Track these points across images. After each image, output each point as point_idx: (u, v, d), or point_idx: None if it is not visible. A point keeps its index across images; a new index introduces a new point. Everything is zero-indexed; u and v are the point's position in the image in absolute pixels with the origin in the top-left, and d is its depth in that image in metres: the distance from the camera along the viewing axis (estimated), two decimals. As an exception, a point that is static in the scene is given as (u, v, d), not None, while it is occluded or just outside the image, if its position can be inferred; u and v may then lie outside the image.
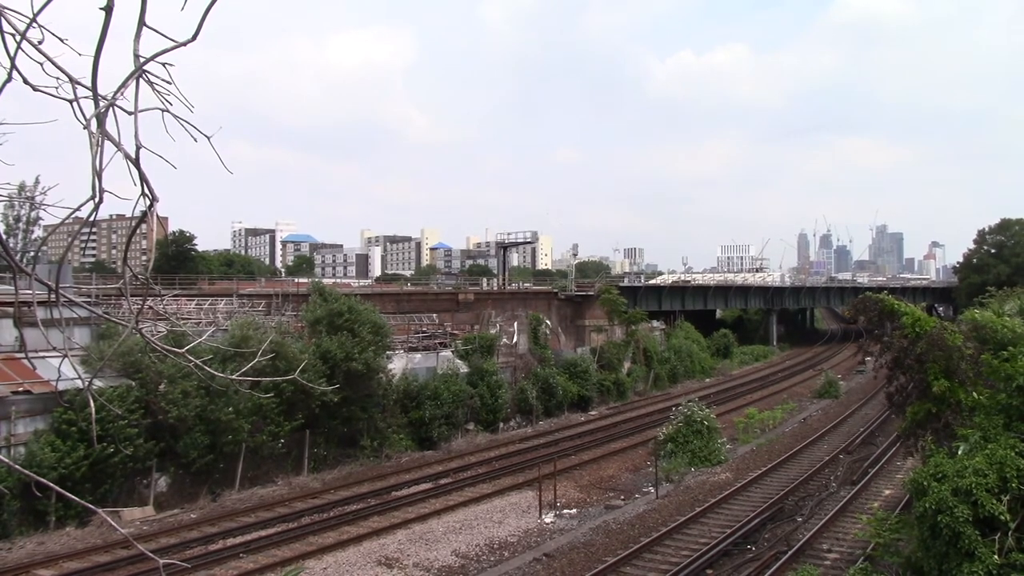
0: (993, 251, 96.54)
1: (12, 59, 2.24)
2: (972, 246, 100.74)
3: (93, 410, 3.22)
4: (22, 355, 25.14)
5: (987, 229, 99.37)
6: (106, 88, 2.30)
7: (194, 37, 2.32)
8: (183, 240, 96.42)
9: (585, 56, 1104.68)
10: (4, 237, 2.50)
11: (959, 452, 14.49)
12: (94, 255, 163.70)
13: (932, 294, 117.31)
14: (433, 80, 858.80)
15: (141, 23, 2.24)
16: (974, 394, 16.66)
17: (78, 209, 2.42)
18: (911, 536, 15.91)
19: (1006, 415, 15.14)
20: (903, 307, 19.03)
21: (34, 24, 2.25)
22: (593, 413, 46.96)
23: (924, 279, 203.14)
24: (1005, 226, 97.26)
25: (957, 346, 17.01)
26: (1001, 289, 43.51)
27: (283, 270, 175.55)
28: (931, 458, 14.85)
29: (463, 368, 39.36)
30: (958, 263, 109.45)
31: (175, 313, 32.32)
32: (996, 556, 12.42)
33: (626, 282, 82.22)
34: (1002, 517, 12.66)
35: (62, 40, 2.35)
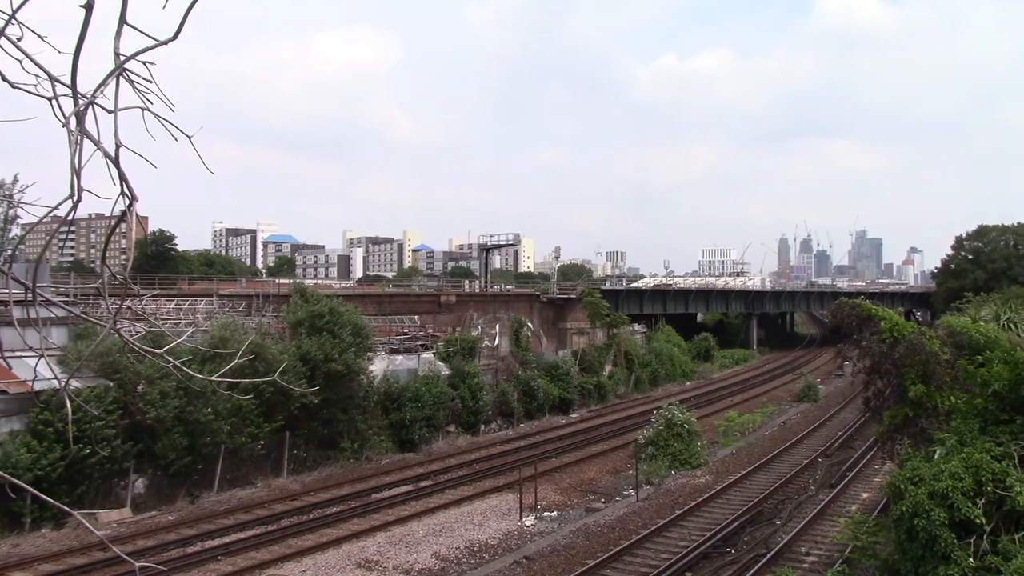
0: (970, 257, 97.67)
1: (-10, 56, 2.21)
2: (950, 252, 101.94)
3: (70, 411, 3.20)
4: (-3, 355, 24.80)
5: (964, 235, 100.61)
6: (86, 86, 2.29)
7: (175, 36, 2.31)
8: (163, 240, 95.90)
9: (569, 59, 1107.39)
10: (-20, 235, 2.47)
11: (935, 456, 14.63)
12: (72, 254, 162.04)
13: (910, 299, 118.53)
14: (417, 81, 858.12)
15: (122, 21, 2.23)
16: (951, 398, 16.84)
17: (56, 207, 2.40)
18: (888, 539, 16.03)
19: (982, 419, 15.31)
20: (880, 312, 19.21)
21: (13, 21, 2.23)
22: (574, 416, 46.99)
23: (903, 284, 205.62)
24: (982, 232, 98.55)
25: (934, 351, 17.20)
26: (978, 294, 44.17)
27: (264, 271, 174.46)
28: (908, 462, 14.99)
29: (444, 370, 39.28)
30: (936, 268, 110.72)
31: (154, 313, 32.06)
32: (971, 559, 12.54)
33: (608, 285, 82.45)
34: (978, 520, 12.78)
35: (41, 37, 2.33)
